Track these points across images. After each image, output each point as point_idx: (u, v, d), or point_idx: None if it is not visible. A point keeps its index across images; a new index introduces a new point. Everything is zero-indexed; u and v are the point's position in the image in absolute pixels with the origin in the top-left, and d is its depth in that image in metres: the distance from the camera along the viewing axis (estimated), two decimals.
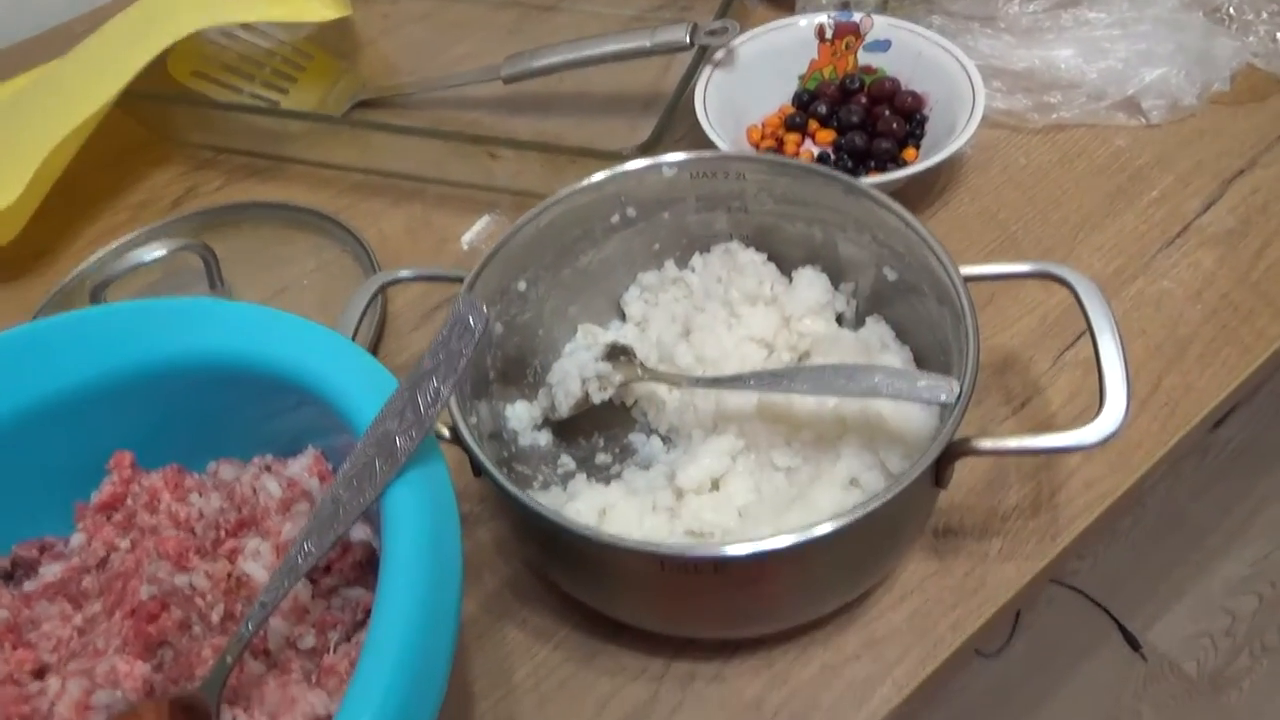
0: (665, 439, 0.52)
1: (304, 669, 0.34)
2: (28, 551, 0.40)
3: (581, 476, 0.50)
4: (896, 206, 0.47)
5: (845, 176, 0.49)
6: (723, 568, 0.37)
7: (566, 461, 0.52)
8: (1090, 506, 0.49)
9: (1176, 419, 0.52)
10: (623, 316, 0.57)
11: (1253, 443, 1.27)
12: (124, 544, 0.38)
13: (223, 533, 0.37)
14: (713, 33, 0.65)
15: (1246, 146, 0.66)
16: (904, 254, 0.48)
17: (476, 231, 0.66)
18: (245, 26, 0.76)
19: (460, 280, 0.47)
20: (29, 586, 0.38)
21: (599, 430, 0.53)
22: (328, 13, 0.75)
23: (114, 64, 0.68)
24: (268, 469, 0.40)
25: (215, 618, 0.35)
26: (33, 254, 0.69)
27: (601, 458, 0.52)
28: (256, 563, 0.35)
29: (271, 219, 0.67)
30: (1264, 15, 0.73)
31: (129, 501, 0.39)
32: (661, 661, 0.45)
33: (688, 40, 0.65)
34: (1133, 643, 1.22)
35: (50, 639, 0.36)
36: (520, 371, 0.53)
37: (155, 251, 0.57)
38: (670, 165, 0.51)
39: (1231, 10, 0.73)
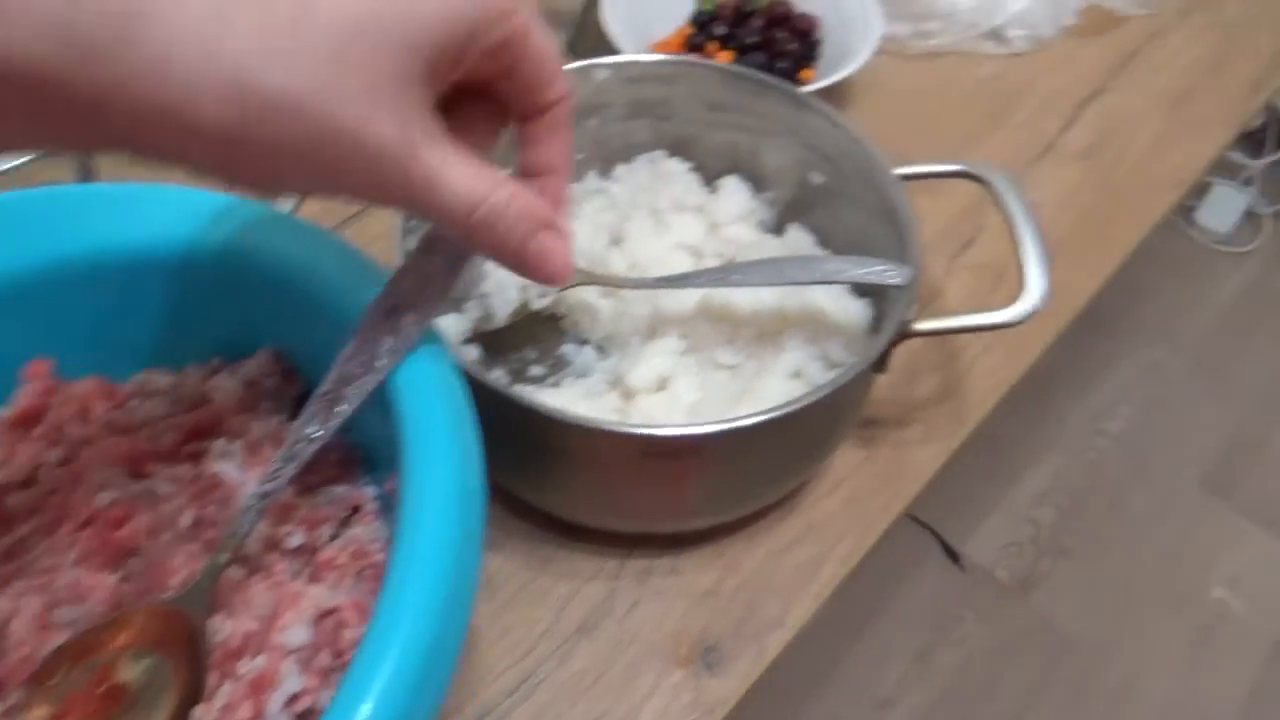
0: (599, 348, 0.52)
1: (291, 570, 0.33)
2: None
3: (520, 386, 0.50)
4: (830, 110, 0.49)
5: (781, 82, 0.50)
6: (703, 448, 0.38)
7: (499, 376, 0.51)
8: (993, 390, 0.54)
9: (1058, 313, 0.58)
10: None
11: (1051, 364, 1.43)
12: (53, 457, 0.35)
13: (181, 436, 0.35)
14: None
15: (1095, 74, 0.73)
16: (833, 157, 0.50)
17: None
18: None
19: None
20: None
21: (529, 343, 0.53)
22: None
23: None
24: (215, 371, 0.37)
25: (185, 523, 0.32)
26: None
27: (535, 370, 0.52)
28: (229, 462, 0.33)
29: None
30: None
31: (51, 414, 0.35)
32: (616, 561, 0.46)
33: None
34: (953, 556, 1.34)
35: None
36: None
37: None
38: (604, 68, 0.51)
39: None
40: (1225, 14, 0.78)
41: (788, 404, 0.38)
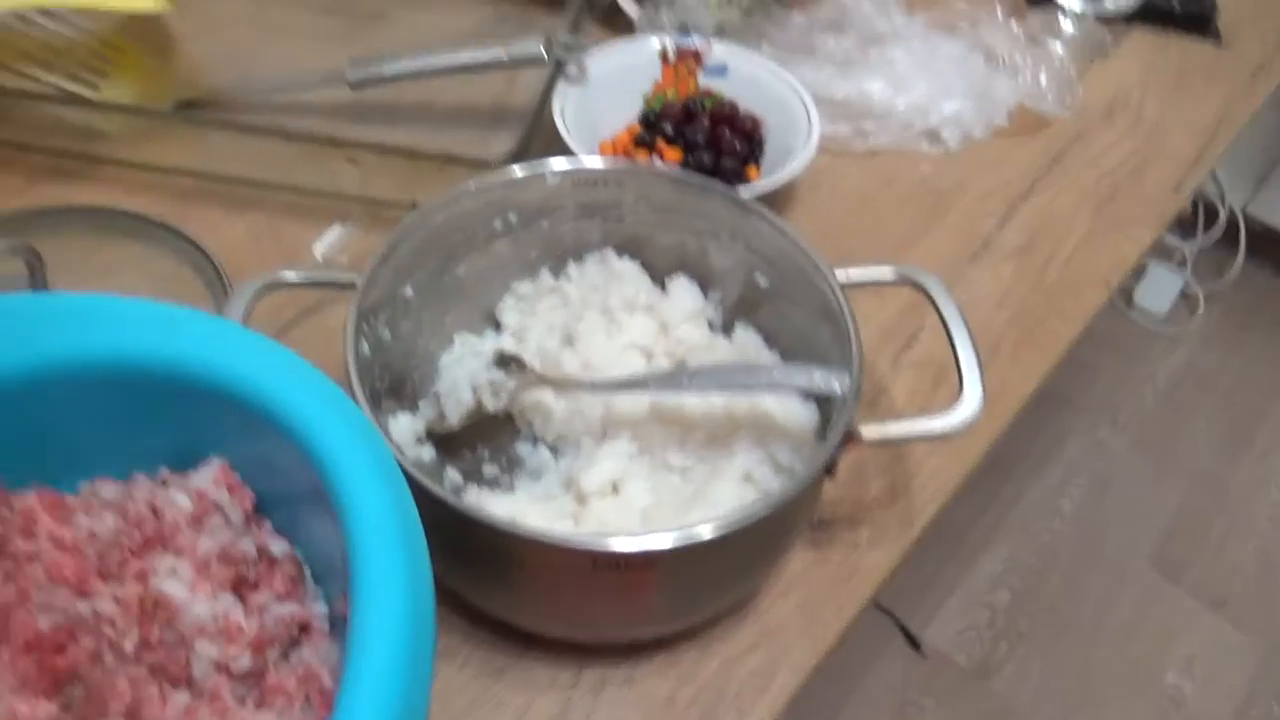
0: (553, 448, 0.53)
1: (235, 694, 0.32)
2: None
3: (474, 488, 0.50)
4: (772, 216, 0.51)
5: (725, 187, 0.52)
6: (654, 561, 0.39)
7: (453, 476, 0.51)
8: (938, 493, 0.55)
9: (998, 413, 0.59)
10: (497, 327, 0.57)
11: (998, 451, 1.46)
12: None
13: (127, 553, 0.34)
14: (567, 47, 0.67)
15: (1026, 173, 0.76)
16: (777, 260, 0.52)
17: (330, 242, 0.64)
18: (45, 12, 0.69)
19: (353, 286, 0.46)
20: None
21: (483, 442, 0.53)
22: (148, 4, 0.70)
23: None
24: (164, 484, 0.37)
25: (129, 646, 0.32)
26: None
27: (489, 470, 0.52)
28: (176, 581, 0.32)
29: (94, 225, 0.61)
30: (1029, 61, 0.84)
31: None
32: (571, 671, 0.46)
33: (543, 54, 0.67)
34: (913, 643, 1.34)
35: None
36: (400, 383, 0.52)
37: None
38: (555, 173, 0.53)
39: (1004, 56, 0.84)
40: (1144, 118, 0.82)
41: (738, 517, 0.39)
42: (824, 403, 0.50)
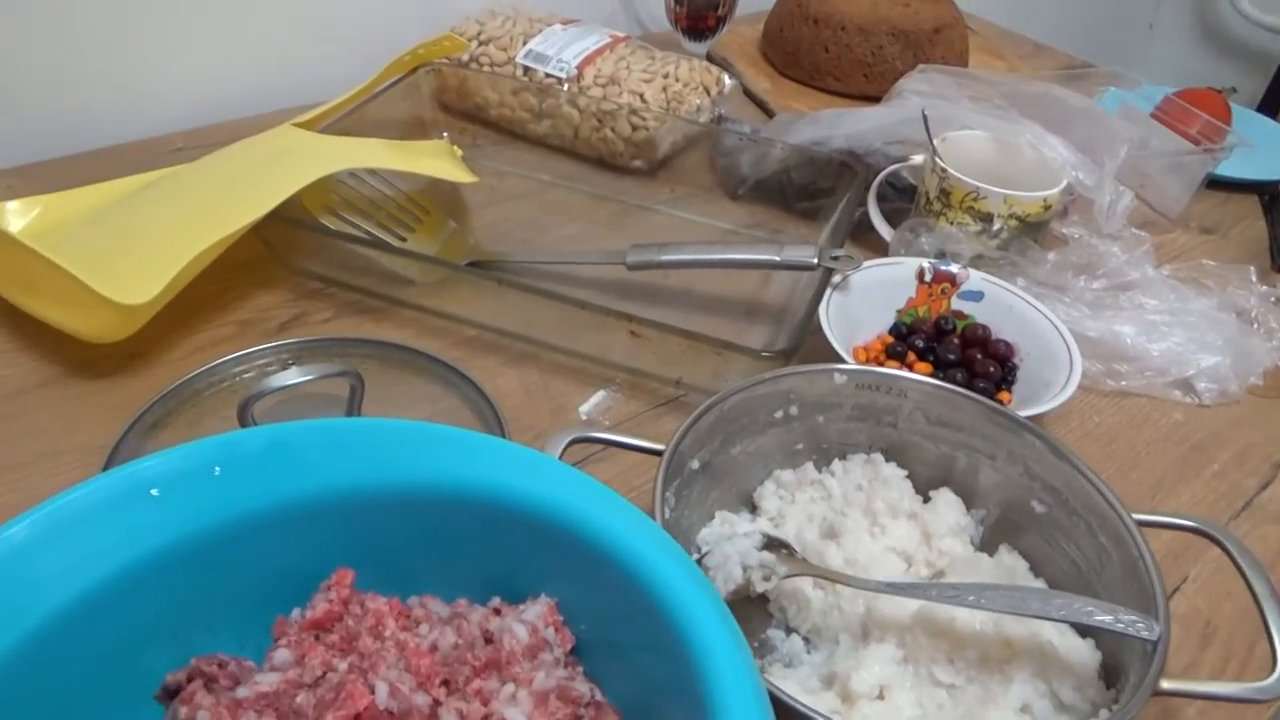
0: (806, 639, 0.52)
1: None
2: (208, 666, 0.37)
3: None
4: (1067, 448, 0.51)
5: (1013, 413, 0.53)
6: None
7: None
8: None
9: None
10: (752, 510, 0.58)
11: None
12: (342, 666, 0.36)
13: (472, 670, 0.36)
14: (836, 258, 0.71)
15: None
16: (1061, 491, 0.52)
17: (594, 404, 0.68)
18: (371, 171, 0.79)
19: (657, 454, 0.48)
20: (241, 693, 0.35)
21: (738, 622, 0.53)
22: (462, 176, 0.79)
23: (259, 185, 0.69)
24: (497, 612, 0.39)
25: None
26: (128, 354, 0.67)
27: None
28: (516, 709, 0.34)
29: (391, 360, 0.67)
30: None
31: (348, 623, 0.37)
32: None
33: (815, 261, 0.71)
34: None
35: None
36: None
37: (304, 374, 0.56)
38: (842, 373, 0.55)
39: (1257, 316, 0.83)
40: None
41: None
42: (1102, 643, 0.48)
